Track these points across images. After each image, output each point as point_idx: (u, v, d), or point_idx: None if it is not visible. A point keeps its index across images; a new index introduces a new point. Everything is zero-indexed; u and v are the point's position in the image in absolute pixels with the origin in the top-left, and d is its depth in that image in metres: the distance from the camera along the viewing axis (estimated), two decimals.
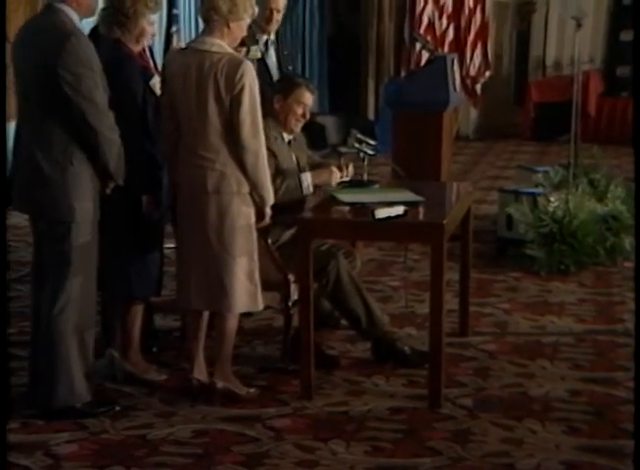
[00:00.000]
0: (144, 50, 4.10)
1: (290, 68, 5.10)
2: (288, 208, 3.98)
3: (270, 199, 3.71)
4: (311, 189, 4.10)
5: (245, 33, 3.80)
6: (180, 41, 6.70)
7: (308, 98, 4.15)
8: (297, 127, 4.20)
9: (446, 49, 11.24)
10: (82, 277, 3.54)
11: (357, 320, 4.15)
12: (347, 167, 4.26)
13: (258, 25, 4.80)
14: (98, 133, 3.41)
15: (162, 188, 3.82)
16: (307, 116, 4.19)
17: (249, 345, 4.40)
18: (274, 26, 4.92)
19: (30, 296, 3.69)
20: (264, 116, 3.72)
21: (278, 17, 4.91)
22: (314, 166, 4.29)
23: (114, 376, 3.95)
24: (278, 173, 4.04)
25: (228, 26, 3.66)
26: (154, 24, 3.95)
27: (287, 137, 4.20)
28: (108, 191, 3.58)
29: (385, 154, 6.30)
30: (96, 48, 3.64)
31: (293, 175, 4.13)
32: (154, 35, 4.07)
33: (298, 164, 4.24)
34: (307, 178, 4.12)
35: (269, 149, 3.94)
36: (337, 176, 4.21)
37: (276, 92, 4.19)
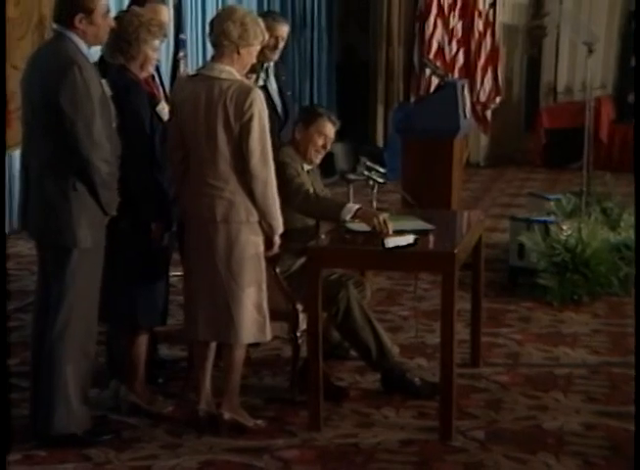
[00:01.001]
0: (153, 77, 4.12)
1: (289, 93, 5.14)
2: (297, 236, 4.00)
3: (279, 227, 3.73)
4: (348, 217, 3.92)
5: (254, 60, 3.83)
6: (187, 67, 6.76)
7: (330, 129, 4.19)
8: (317, 159, 4.23)
9: (456, 74, 11.29)
10: (83, 305, 3.56)
11: (367, 351, 4.17)
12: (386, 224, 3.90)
13: (261, 53, 4.83)
14: (89, 163, 3.44)
15: (171, 215, 3.85)
16: (328, 147, 4.22)
17: (256, 375, 4.42)
18: (275, 56, 4.98)
19: (32, 322, 3.71)
20: (281, 144, 3.73)
21: (282, 45, 4.96)
22: None
23: (118, 407, 3.96)
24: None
25: (238, 52, 3.68)
26: (158, 50, 3.97)
27: (306, 167, 4.24)
28: (107, 219, 3.60)
29: (394, 181, 6.31)
30: (105, 75, 3.69)
31: None
32: (158, 61, 4.09)
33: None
34: (351, 211, 3.92)
35: (295, 169, 4.00)
36: (375, 224, 3.88)
37: (297, 121, 4.24)
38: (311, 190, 4.08)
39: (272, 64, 4.99)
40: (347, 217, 3.94)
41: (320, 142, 4.19)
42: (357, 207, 3.96)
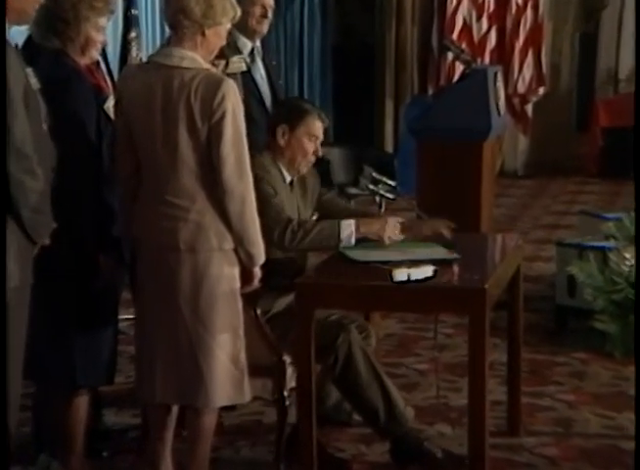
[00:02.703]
0: (98, 64, 4.16)
1: (280, 82, 5.20)
2: (280, 268, 4.04)
3: (260, 256, 3.77)
4: (353, 240, 4.08)
5: (224, 42, 3.88)
6: (141, 50, 6.82)
7: (320, 129, 4.26)
8: (306, 168, 4.30)
9: (487, 59, 11.37)
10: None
11: (374, 414, 4.20)
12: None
13: (244, 29, 4.90)
14: (8, 175, 3.41)
15: (122, 243, 3.89)
16: (320, 152, 4.28)
17: (231, 446, 4.44)
18: (265, 27, 5.02)
19: None
20: (257, 149, 3.78)
21: (270, 14, 5.02)
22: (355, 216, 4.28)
23: None
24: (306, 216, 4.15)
25: (203, 34, 3.73)
26: (104, 30, 4.01)
27: (288, 178, 4.29)
28: (36, 249, 3.61)
29: (407, 197, 6.37)
30: (34, 62, 3.71)
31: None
32: (105, 44, 4.13)
33: (299, 214, 4.29)
34: (350, 226, 4.11)
35: (272, 186, 4.05)
36: (392, 230, 4.16)
37: (279, 122, 4.24)
38: (294, 216, 4.13)
39: (258, 44, 5.05)
40: (352, 240, 4.04)
41: (311, 147, 4.25)
42: (353, 224, 4.07)
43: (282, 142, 4.23)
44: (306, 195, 4.42)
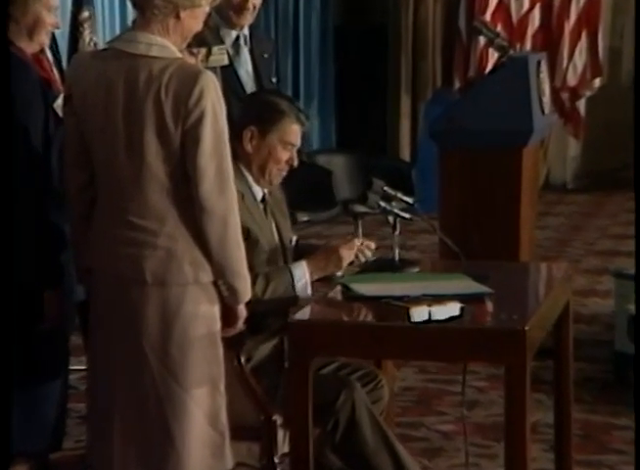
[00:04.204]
0: (42, 51, 4.19)
1: (274, 79, 5.24)
2: (266, 307, 4.08)
3: (246, 291, 3.80)
4: (309, 290, 4.15)
5: (200, 27, 3.90)
6: (95, 34, 6.85)
7: (297, 134, 4.28)
8: (279, 178, 4.32)
9: (528, 45, 11.40)
10: None
11: None
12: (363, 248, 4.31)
13: (225, 16, 4.96)
14: None
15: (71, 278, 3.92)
16: (295, 162, 4.30)
17: None
18: (245, 20, 5.08)
19: None
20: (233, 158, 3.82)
21: (256, 2, 5.06)
22: (302, 253, 4.35)
23: None
24: (255, 262, 4.14)
25: (177, 16, 3.76)
26: (56, 10, 4.06)
27: (259, 194, 4.32)
28: None
29: (427, 216, 6.40)
30: None
31: (277, 260, 4.26)
32: (57, 27, 4.17)
33: (280, 235, 4.35)
34: (304, 272, 4.17)
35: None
36: (349, 257, 4.25)
37: (247, 123, 4.25)
38: (273, 241, 4.20)
39: (245, 32, 5.09)
40: (308, 290, 4.14)
41: (285, 156, 4.26)
42: (306, 267, 4.15)
43: (249, 147, 4.25)
44: (283, 212, 4.47)
